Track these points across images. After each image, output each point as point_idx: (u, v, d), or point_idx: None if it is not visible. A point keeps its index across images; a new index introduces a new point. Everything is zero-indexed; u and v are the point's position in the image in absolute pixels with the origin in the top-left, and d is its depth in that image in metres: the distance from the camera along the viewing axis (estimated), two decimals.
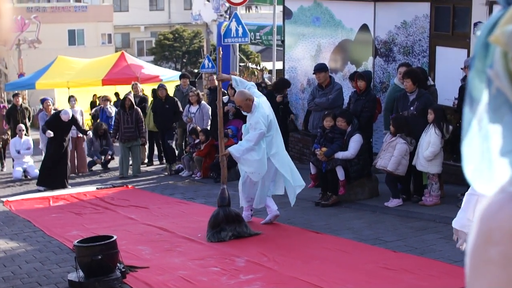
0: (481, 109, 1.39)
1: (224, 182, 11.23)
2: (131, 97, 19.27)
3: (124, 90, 24.19)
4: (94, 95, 26.82)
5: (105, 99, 22.58)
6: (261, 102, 11.18)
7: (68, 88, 27.70)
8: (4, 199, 15.56)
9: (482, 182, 1.45)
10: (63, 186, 17.08)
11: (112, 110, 22.22)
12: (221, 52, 12.49)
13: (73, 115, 17.83)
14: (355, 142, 12.65)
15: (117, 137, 18.67)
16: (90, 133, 19.38)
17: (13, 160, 19.88)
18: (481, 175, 1.45)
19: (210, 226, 10.76)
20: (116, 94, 26.41)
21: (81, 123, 19.87)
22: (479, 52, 1.37)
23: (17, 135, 19.46)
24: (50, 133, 17.16)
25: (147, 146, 20.45)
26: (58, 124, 17.21)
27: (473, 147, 1.44)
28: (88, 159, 20.35)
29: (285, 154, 11.53)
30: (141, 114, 18.80)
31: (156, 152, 20.77)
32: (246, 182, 11.46)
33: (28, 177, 19.12)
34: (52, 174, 17.00)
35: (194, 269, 9.01)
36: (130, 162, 18.88)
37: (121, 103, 18.97)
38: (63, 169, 17.25)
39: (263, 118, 10.93)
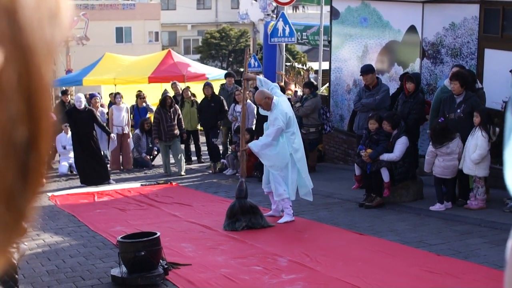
0: None
1: (243, 175, 12.04)
2: (170, 95, 19.32)
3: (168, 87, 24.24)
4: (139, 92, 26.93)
5: (141, 97, 22.56)
6: (281, 101, 11.71)
7: (115, 85, 27.83)
8: (49, 194, 15.71)
9: None
10: (103, 181, 17.14)
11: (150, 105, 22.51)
12: (249, 53, 13.09)
13: (92, 111, 17.78)
14: (401, 144, 12.57)
15: (160, 137, 18.65)
16: (114, 136, 19.09)
17: (59, 155, 20.06)
18: None
19: (227, 216, 11.56)
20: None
21: (126, 120, 19.99)
22: None
23: (63, 131, 19.60)
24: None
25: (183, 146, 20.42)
26: (75, 117, 17.10)
27: None
28: (136, 155, 20.45)
29: (303, 151, 12.06)
30: (180, 111, 18.90)
31: (193, 149, 20.98)
32: (278, 178, 11.77)
33: (74, 172, 19.24)
34: (88, 171, 17.05)
35: (236, 267, 9.02)
36: (172, 160, 18.94)
37: (161, 102, 18.97)
38: (97, 164, 17.21)
39: (281, 115, 11.48)
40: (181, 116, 18.78)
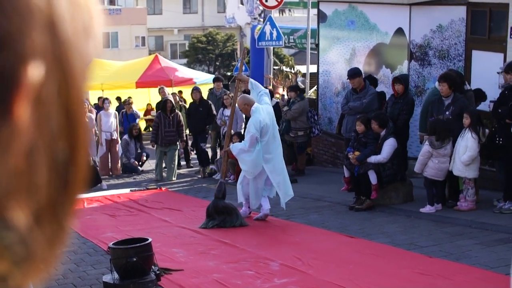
0: None
1: (222, 176, 12.74)
2: (171, 99, 19.25)
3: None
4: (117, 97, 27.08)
5: (129, 103, 22.62)
6: (260, 109, 11.85)
7: (102, 91, 27.85)
8: None
9: None
10: (95, 184, 17.13)
11: (138, 111, 22.56)
12: (246, 52, 13.31)
13: None
14: (388, 146, 12.60)
15: (156, 141, 18.60)
16: None
17: None
18: None
19: (206, 216, 12.04)
20: (118, 99, 26.61)
21: (115, 125, 19.96)
22: None
23: None
24: None
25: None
26: None
27: None
28: (124, 160, 20.42)
29: (279, 161, 12.14)
30: (182, 117, 18.79)
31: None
32: (243, 182, 12.23)
33: None
34: None
35: (228, 272, 9.01)
36: (164, 165, 18.90)
37: (162, 106, 18.88)
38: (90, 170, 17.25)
39: (255, 123, 11.72)
40: (182, 123, 18.64)
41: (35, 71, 0.70)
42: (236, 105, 15.32)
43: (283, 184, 12.07)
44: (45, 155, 0.71)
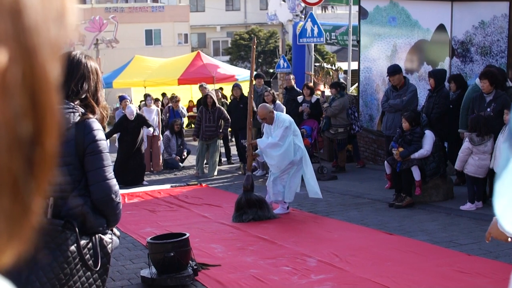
0: None
1: (249, 169, 12.89)
2: (212, 94, 19.30)
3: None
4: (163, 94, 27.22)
5: (176, 100, 22.78)
6: (280, 114, 12.43)
7: (145, 87, 28.04)
8: None
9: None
10: (138, 182, 17.30)
11: (184, 110, 22.63)
12: (256, 42, 13.59)
13: (142, 116, 17.99)
14: (427, 138, 12.55)
15: (197, 135, 18.78)
16: (151, 130, 18.98)
17: None
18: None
19: (235, 209, 12.20)
20: (163, 95, 26.74)
21: (157, 123, 20.09)
22: None
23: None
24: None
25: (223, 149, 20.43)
26: (126, 126, 17.47)
27: (508, 183, 1.38)
28: (166, 156, 20.55)
29: (306, 153, 12.50)
30: (226, 112, 18.87)
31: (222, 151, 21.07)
32: (277, 180, 12.33)
33: None
34: (126, 172, 17.16)
35: (265, 268, 9.02)
36: (206, 161, 18.97)
37: (203, 101, 19.05)
38: (137, 166, 17.50)
39: (287, 117, 12.21)
40: (226, 118, 18.68)
41: None
42: (278, 101, 15.35)
43: (311, 174, 12.39)
44: (7, 135, 0.73)
